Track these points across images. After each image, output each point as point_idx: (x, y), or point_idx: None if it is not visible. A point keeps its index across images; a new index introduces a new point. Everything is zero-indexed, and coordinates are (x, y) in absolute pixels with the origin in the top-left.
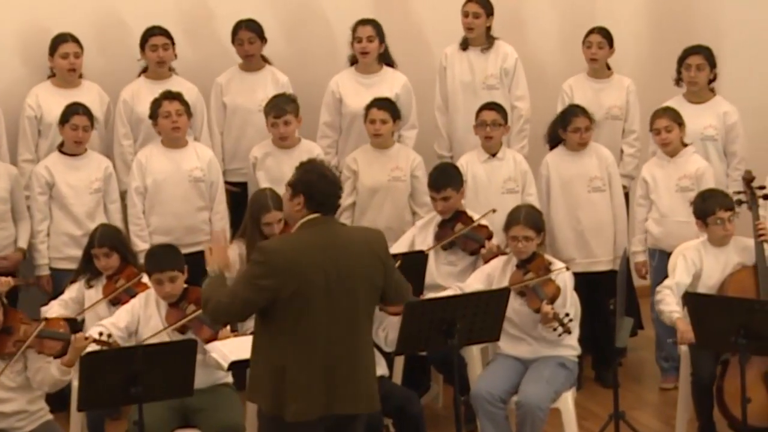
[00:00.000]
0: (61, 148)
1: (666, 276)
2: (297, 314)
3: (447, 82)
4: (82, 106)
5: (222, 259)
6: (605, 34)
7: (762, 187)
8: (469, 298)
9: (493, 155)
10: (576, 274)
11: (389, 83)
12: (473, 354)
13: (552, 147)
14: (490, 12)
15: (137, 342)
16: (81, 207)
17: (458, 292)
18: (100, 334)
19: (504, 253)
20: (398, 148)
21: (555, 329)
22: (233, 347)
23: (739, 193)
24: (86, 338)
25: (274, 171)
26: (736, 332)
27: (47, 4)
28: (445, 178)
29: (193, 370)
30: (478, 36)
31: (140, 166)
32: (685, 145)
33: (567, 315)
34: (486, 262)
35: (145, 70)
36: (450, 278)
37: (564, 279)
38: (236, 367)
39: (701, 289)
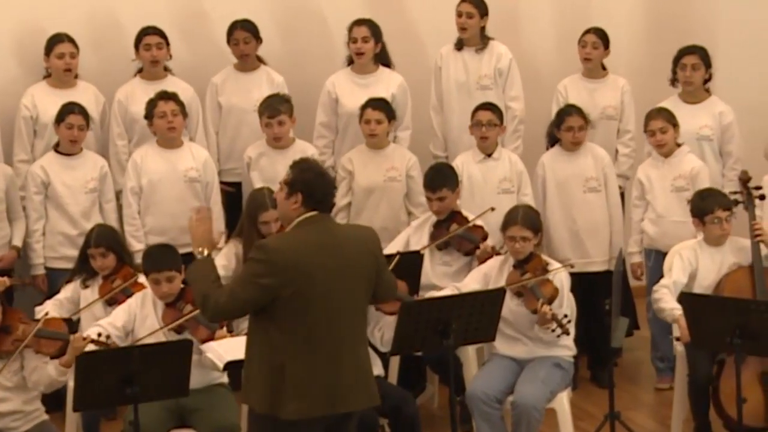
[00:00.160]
0: (56, 148)
1: (662, 276)
2: (297, 312)
3: (442, 82)
4: (77, 106)
5: (207, 235)
6: (600, 35)
7: (758, 187)
8: (464, 298)
9: (489, 155)
10: (571, 275)
11: (385, 83)
12: (469, 354)
13: (552, 147)
14: (484, 12)
15: (133, 341)
16: (76, 206)
17: (455, 292)
18: (99, 334)
19: (499, 254)
20: (393, 148)
21: (553, 330)
22: (229, 347)
23: (735, 193)
24: (84, 338)
25: (268, 171)
26: (731, 332)
27: (43, 4)
28: (441, 178)
29: (188, 370)
30: (472, 36)
31: (135, 167)
32: (679, 146)
33: (565, 316)
34: (481, 262)
35: (140, 71)
36: (445, 278)
37: (561, 279)
38: (232, 367)
39: (697, 288)
